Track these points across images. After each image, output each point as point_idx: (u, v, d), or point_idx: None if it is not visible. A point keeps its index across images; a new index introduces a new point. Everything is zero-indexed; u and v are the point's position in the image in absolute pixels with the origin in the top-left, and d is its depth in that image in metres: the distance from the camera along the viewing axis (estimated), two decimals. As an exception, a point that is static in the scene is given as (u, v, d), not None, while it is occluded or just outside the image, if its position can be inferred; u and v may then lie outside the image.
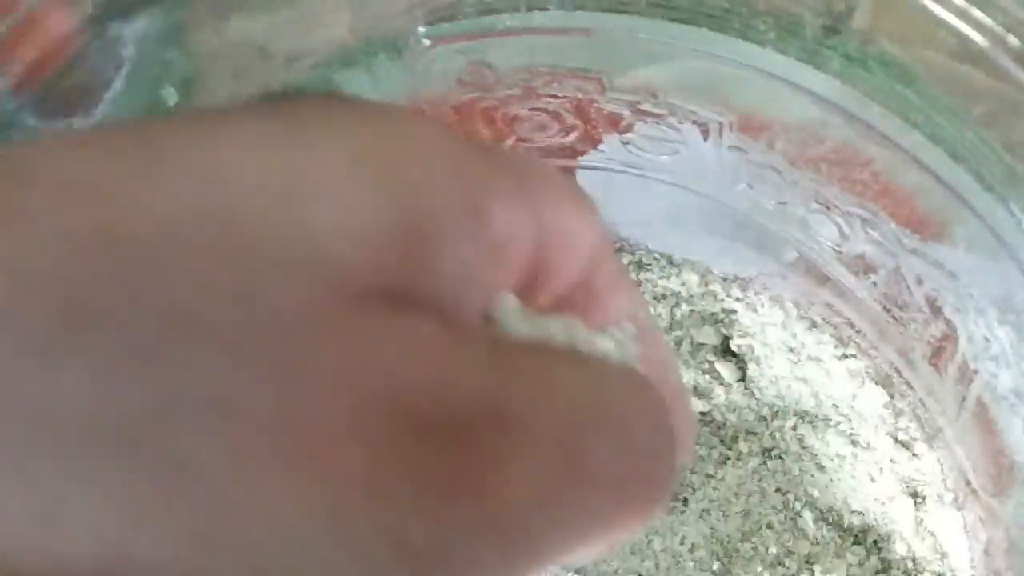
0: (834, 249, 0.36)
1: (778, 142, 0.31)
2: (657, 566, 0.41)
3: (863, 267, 0.35)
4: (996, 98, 0.25)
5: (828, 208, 0.33)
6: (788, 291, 0.43)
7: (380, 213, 0.11)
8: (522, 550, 0.11)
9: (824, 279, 0.39)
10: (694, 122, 0.33)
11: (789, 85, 0.29)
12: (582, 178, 0.38)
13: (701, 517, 0.43)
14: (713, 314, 0.45)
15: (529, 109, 0.34)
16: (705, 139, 0.33)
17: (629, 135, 0.35)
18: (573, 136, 0.36)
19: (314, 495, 0.10)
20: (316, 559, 0.10)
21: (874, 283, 0.35)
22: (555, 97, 0.33)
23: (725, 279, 0.45)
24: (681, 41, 0.29)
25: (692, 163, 0.35)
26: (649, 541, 0.41)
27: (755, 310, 0.44)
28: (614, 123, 0.35)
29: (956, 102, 0.26)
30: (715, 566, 0.42)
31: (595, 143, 0.36)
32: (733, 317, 0.45)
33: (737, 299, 0.45)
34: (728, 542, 0.42)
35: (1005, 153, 0.26)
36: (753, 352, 0.44)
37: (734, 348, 0.45)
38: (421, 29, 0.30)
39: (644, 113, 0.33)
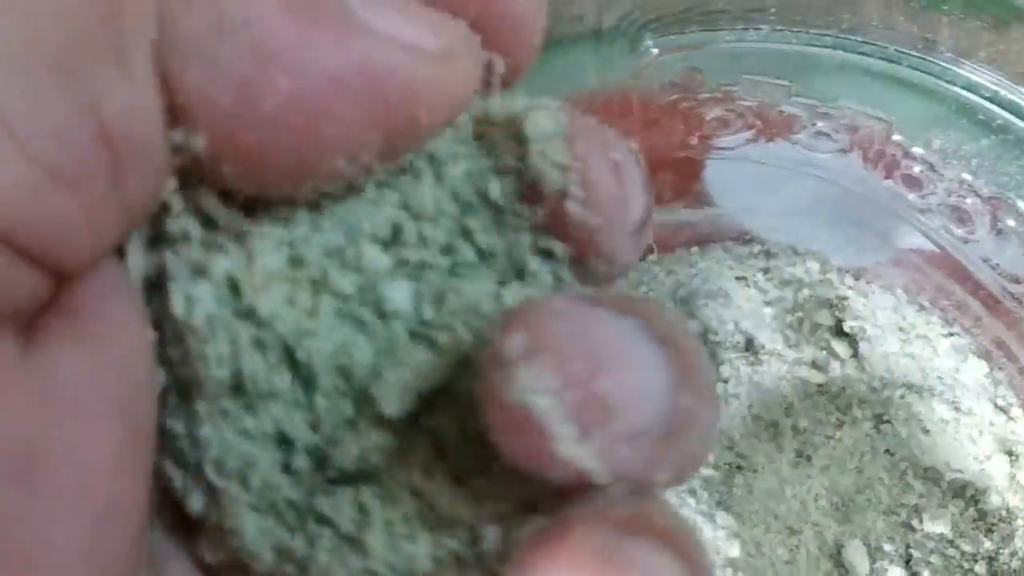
0: (960, 237, 0.43)
1: (935, 141, 0.38)
2: (789, 509, 0.48)
3: (989, 250, 0.42)
4: None
5: (964, 197, 0.40)
6: (900, 278, 0.50)
7: None
8: None
9: (942, 264, 0.46)
10: (860, 125, 0.40)
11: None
12: (742, 169, 0.45)
13: (822, 471, 0.49)
14: (828, 299, 0.52)
15: (724, 110, 0.41)
16: (870, 141, 0.40)
17: (799, 135, 0.42)
18: (750, 133, 0.43)
19: None
20: None
21: (995, 264, 0.42)
22: (744, 100, 0.40)
23: (841, 269, 0.52)
24: (866, 61, 0.36)
25: (851, 160, 0.42)
26: (783, 489, 0.48)
27: (866, 296, 0.51)
28: (789, 124, 0.42)
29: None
30: (836, 513, 0.48)
31: (768, 139, 0.43)
32: (846, 303, 0.52)
33: (850, 287, 0.52)
34: (845, 493, 0.49)
35: None
36: (865, 332, 0.51)
37: (847, 329, 0.52)
38: (649, 41, 0.37)
39: (820, 115, 0.40)
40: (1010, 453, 0.48)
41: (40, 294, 0.15)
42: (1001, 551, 0.48)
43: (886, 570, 0.47)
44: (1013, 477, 0.48)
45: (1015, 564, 0.49)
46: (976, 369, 0.48)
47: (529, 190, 0.19)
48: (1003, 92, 0.35)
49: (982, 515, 0.48)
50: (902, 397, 0.50)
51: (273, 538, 0.18)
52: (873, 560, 0.47)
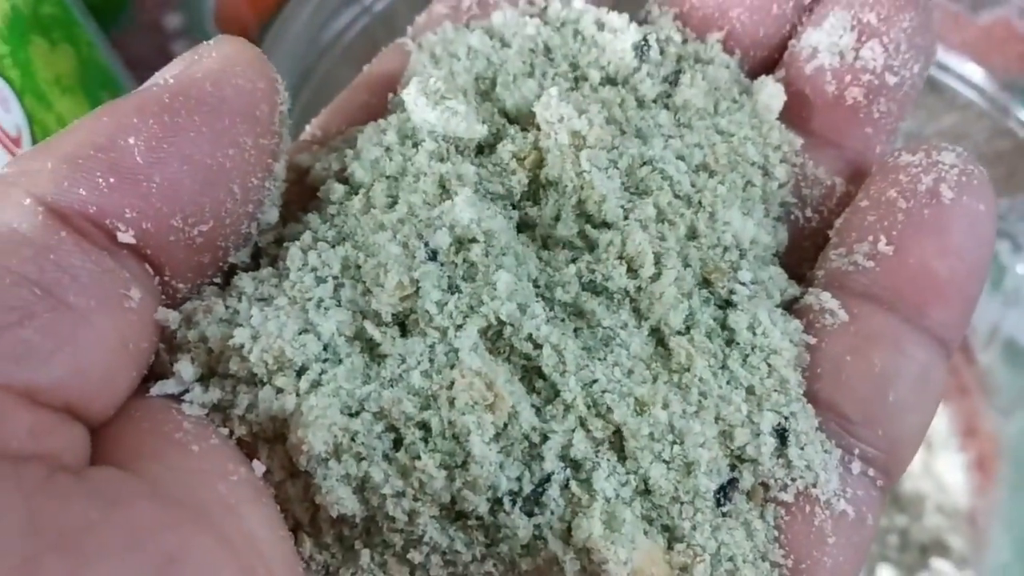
0: None
1: None
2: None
3: None
4: None
5: None
6: None
7: None
8: None
9: None
10: None
11: None
12: None
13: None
14: None
15: None
16: None
17: None
18: None
19: None
20: None
21: None
22: None
23: None
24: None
25: None
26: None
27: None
28: None
29: None
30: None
31: None
32: None
33: None
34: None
35: None
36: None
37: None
38: None
39: None
40: (928, 444, 0.56)
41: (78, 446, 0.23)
42: (912, 526, 0.56)
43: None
44: (927, 465, 0.55)
45: (924, 538, 0.56)
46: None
47: None
48: None
49: (895, 498, 0.56)
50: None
51: None
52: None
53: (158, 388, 0.25)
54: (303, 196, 0.30)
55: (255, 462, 0.24)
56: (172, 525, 0.21)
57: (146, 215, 0.24)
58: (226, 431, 0.25)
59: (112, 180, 0.23)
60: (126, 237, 0.24)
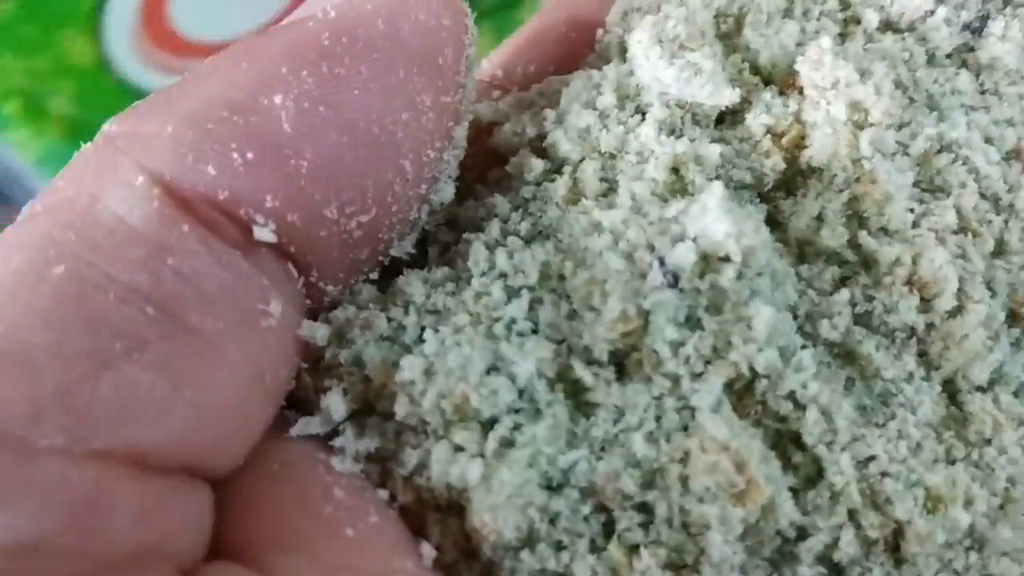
0: None
1: None
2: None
3: None
4: None
5: None
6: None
7: None
8: None
9: None
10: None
11: None
12: None
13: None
14: None
15: None
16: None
17: None
18: None
19: None
20: None
21: None
22: None
23: None
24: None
25: None
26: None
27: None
28: None
29: None
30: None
31: None
32: None
33: None
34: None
35: None
36: None
37: None
38: None
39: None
40: None
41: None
42: None
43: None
44: None
45: None
46: None
47: None
48: None
49: None
50: None
51: None
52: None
53: (300, 427, 0.19)
54: (481, 160, 0.23)
55: (426, 547, 0.18)
56: None
57: (293, 203, 0.17)
58: (386, 494, 0.19)
59: (250, 155, 0.17)
60: (265, 233, 0.17)
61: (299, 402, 0.20)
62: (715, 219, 0.19)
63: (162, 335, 0.16)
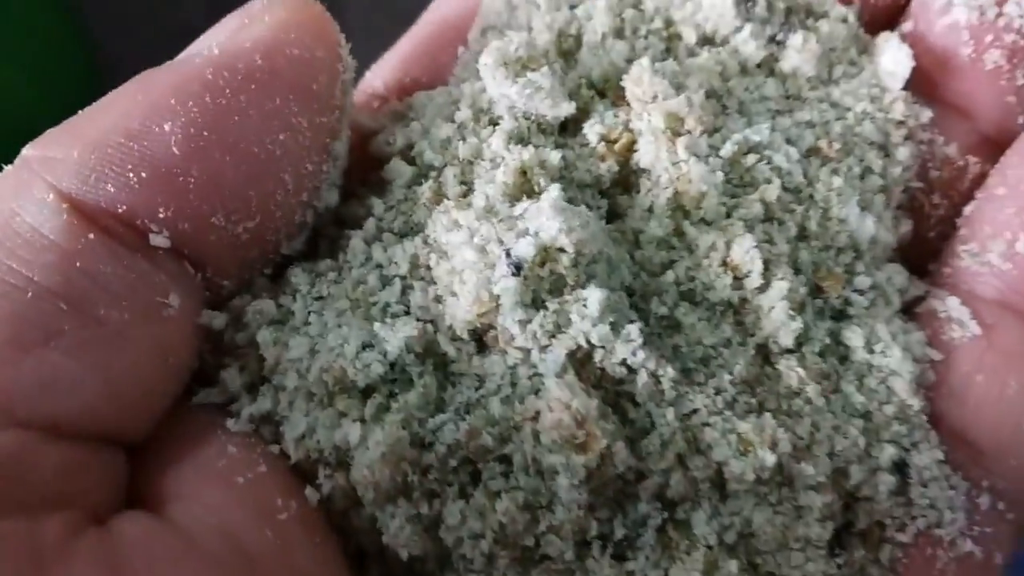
0: None
1: None
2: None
3: None
4: None
5: None
6: None
7: None
8: None
9: None
10: None
11: None
12: None
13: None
14: None
15: None
16: None
17: None
18: None
19: None
20: None
21: None
22: None
23: None
24: None
25: None
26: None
27: None
28: None
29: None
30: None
31: None
32: None
33: None
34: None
35: None
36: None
37: None
38: None
39: None
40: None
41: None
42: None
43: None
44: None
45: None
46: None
47: None
48: None
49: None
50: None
51: None
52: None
53: (202, 396, 0.22)
54: (363, 164, 0.26)
55: (309, 490, 0.22)
56: None
57: (182, 214, 0.20)
58: (276, 449, 0.22)
59: (144, 175, 0.20)
60: (160, 240, 0.20)
61: (205, 380, 0.23)
62: (548, 217, 0.22)
63: (74, 326, 0.19)
